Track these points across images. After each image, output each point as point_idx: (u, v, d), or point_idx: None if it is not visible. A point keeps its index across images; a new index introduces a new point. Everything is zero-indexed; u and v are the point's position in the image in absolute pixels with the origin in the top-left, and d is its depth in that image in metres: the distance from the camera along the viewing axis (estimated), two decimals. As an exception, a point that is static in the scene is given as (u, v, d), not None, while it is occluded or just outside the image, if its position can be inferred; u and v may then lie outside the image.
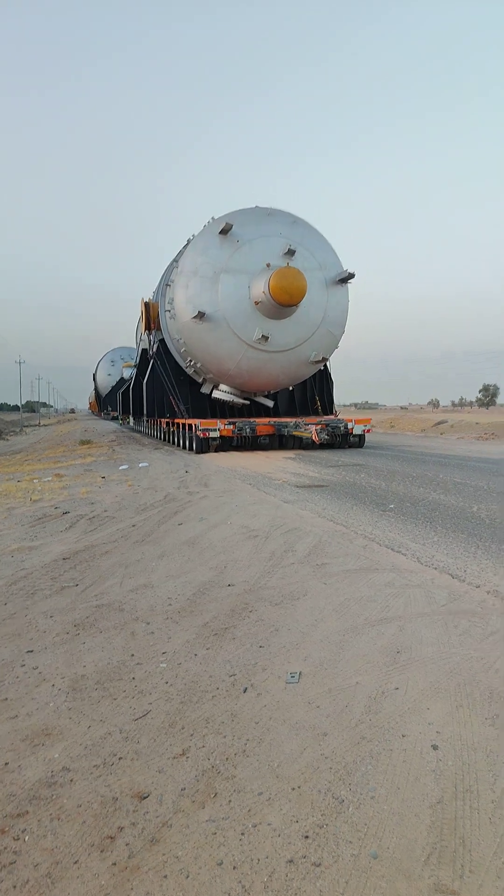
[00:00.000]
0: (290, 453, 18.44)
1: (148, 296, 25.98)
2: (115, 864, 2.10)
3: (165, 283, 22.05)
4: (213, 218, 19.45)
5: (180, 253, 20.89)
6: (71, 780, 2.57)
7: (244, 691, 3.25)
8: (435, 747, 2.66)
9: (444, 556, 5.90)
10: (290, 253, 18.41)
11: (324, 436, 17.29)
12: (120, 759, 2.70)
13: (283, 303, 17.67)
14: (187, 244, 20.18)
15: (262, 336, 18.26)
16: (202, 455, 18.50)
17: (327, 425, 18.16)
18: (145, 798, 2.43)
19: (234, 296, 18.28)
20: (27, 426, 70.63)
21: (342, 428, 18.74)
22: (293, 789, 2.43)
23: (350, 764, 2.57)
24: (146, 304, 24.50)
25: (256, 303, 18.11)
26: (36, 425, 74.95)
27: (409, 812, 2.28)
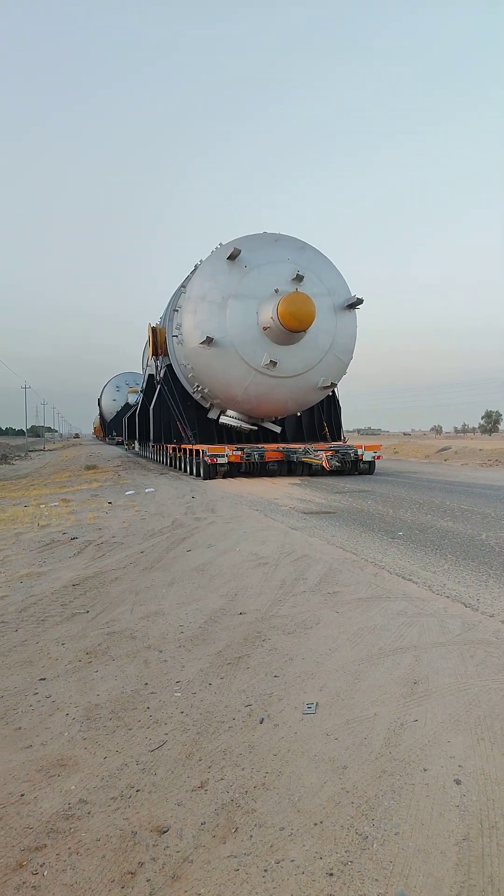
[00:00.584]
0: (296, 479, 18.43)
1: (154, 321, 26.14)
2: (136, 901, 2.06)
3: (173, 308, 22.11)
4: (220, 244, 19.59)
5: (188, 278, 21.04)
6: (88, 813, 2.53)
7: (261, 722, 3.21)
8: (458, 782, 2.62)
9: (455, 584, 5.86)
10: (299, 278, 18.48)
11: (334, 462, 17.12)
12: (137, 791, 2.67)
13: (291, 328, 17.68)
14: (195, 269, 20.35)
15: (271, 361, 18.28)
16: (208, 481, 18.47)
17: (337, 451, 18.01)
18: (165, 832, 2.39)
19: (243, 321, 18.34)
20: (32, 451, 70.82)
21: (352, 454, 18.59)
22: (315, 824, 2.39)
23: (372, 798, 2.53)
24: (153, 330, 24.62)
25: (265, 328, 18.15)
26: (41, 450, 75.13)
27: (435, 849, 2.24)
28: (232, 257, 18.32)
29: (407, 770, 2.72)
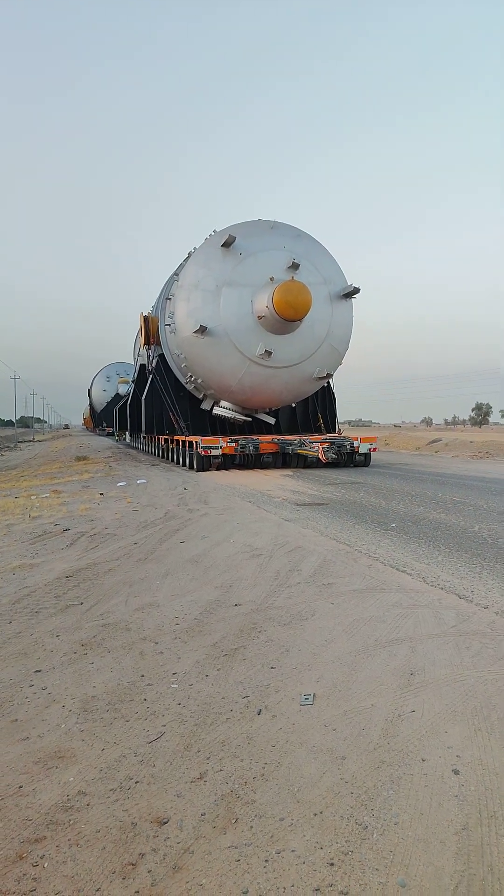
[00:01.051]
0: (288, 471, 18.43)
1: (147, 310, 25.81)
2: (137, 892, 2.06)
3: (165, 296, 21.70)
4: (214, 230, 19.24)
5: (181, 266, 20.64)
6: (88, 805, 2.52)
7: (258, 713, 3.21)
8: (456, 772, 2.63)
9: (449, 576, 5.89)
10: (295, 267, 18.10)
11: (330, 454, 16.85)
12: (136, 782, 2.66)
13: (287, 317, 17.36)
14: (188, 257, 19.93)
15: (266, 351, 17.90)
16: (200, 472, 18.40)
17: (332, 443, 17.81)
18: (165, 823, 2.39)
19: (237, 310, 17.96)
20: (21, 441, 70.43)
21: (348, 446, 18.38)
22: (315, 815, 2.40)
23: (371, 789, 2.54)
24: (145, 319, 24.20)
25: (259, 317, 17.80)
26: (30, 441, 74.76)
27: (435, 838, 2.25)
28: (226, 244, 17.92)
29: (405, 760, 2.74)
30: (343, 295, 19.04)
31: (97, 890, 2.07)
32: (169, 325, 20.26)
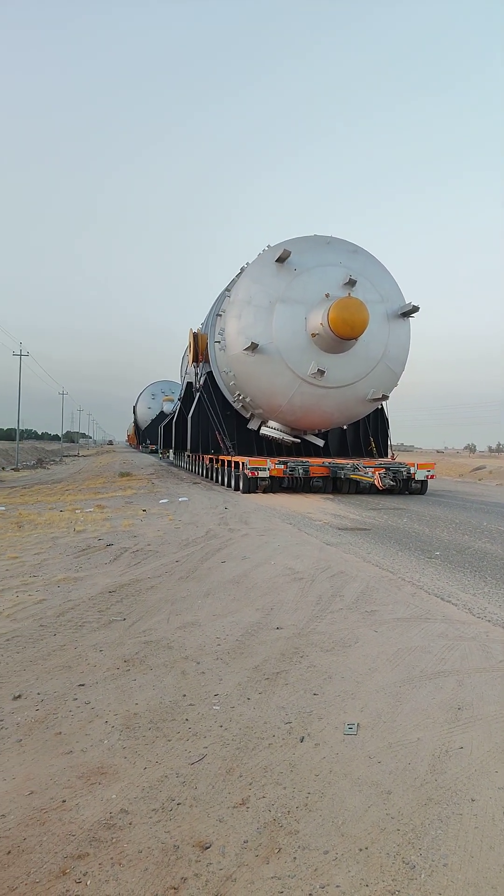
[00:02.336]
0: (329, 494, 18.24)
1: (196, 327, 25.58)
2: (180, 917, 2.04)
3: (216, 313, 21.18)
4: (268, 246, 18.76)
5: (233, 282, 20.23)
6: (130, 824, 2.52)
7: (301, 741, 3.17)
8: (507, 814, 2.54)
9: (496, 608, 5.73)
10: (351, 283, 17.33)
11: (387, 481, 15.76)
12: (178, 804, 2.65)
13: (343, 335, 16.59)
14: (241, 273, 19.49)
15: (318, 370, 17.16)
16: (238, 491, 18.32)
17: (388, 469, 16.82)
18: (207, 848, 2.36)
19: (290, 327, 17.35)
20: (67, 456, 71.93)
21: (404, 472, 17.32)
22: (360, 850, 2.34)
23: (418, 827, 2.47)
24: (195, 335, 23.88)
25: (313, 335, 17.14)
26: (75, 455, 76.23)
27: (486, 884, 2.17)
28: (280, 260, 17.39)
29: (454, 799, 2.65)
30: (401, 314, 18.27)
31: (139, 912, 2.06)
32: (218, 342, 19.94)
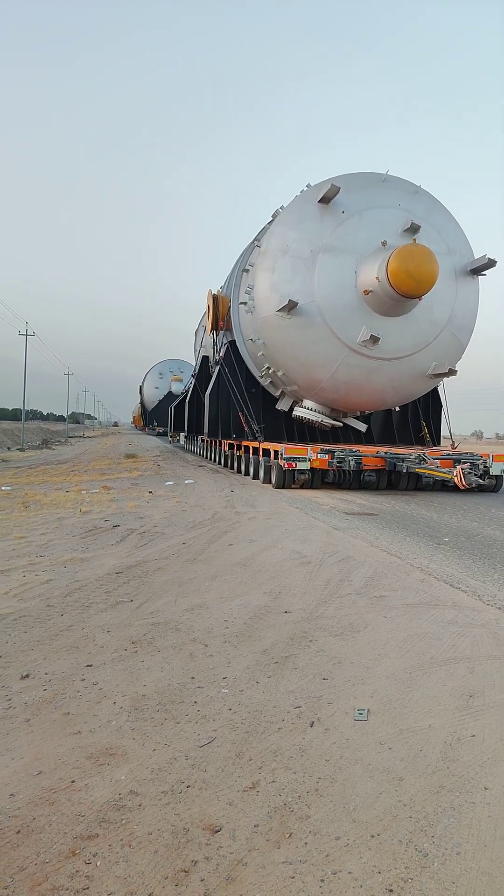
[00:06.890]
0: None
1: (216, 290, 21.14)
2: (190, 900, 2.02)
3: (241, 268, 17.56)
4: (308, 185, 15.17)
5: (263, 230, 16.64)
6: (140, 805, 2.50)
7: (311, 725, 3.14)
8: (521, 804, 2.50)
9: (506, 595, 5.68)
10: (414, 229, 14.00)
11: (474, 478, 12.66)
12: (188, 787, 2.63)
13: (406, 292, 13.25)
14: (273, 219, 15.83)
15: (371, 337, 13.71)
16: (239, 473, 17.58)
17: (473, 463, 13.50)
18: (217, 832, 2.34)
19: (336, 282, 13.97)
20: (72, 437, 72.11)
21: (480, 466, 13.80)
22: (372, 836, 2.31)
23: (431, 814, 2.44)
24: (214, 298, 19.99)
25: (366, 292, 13.76)
26: (80, 436, 76.44)
27: (500, 873, 2.14)
28: (325, 200, 13.93)
29: (466, 787, 2.62)
30: (471, 270, 14.98)
31: (149, 894, 2.04)
32: (244, 303, 16.41)
